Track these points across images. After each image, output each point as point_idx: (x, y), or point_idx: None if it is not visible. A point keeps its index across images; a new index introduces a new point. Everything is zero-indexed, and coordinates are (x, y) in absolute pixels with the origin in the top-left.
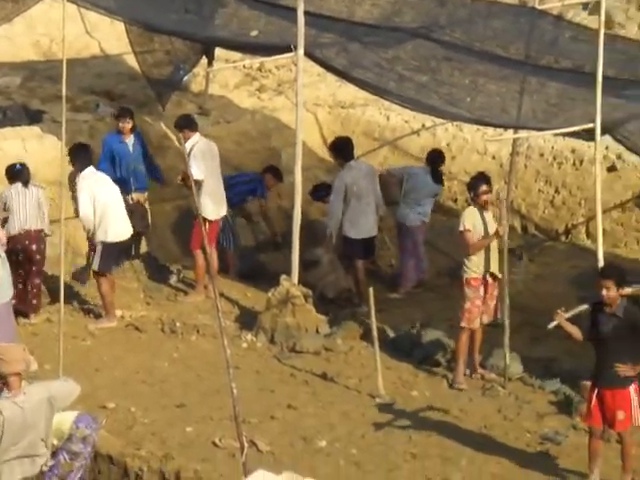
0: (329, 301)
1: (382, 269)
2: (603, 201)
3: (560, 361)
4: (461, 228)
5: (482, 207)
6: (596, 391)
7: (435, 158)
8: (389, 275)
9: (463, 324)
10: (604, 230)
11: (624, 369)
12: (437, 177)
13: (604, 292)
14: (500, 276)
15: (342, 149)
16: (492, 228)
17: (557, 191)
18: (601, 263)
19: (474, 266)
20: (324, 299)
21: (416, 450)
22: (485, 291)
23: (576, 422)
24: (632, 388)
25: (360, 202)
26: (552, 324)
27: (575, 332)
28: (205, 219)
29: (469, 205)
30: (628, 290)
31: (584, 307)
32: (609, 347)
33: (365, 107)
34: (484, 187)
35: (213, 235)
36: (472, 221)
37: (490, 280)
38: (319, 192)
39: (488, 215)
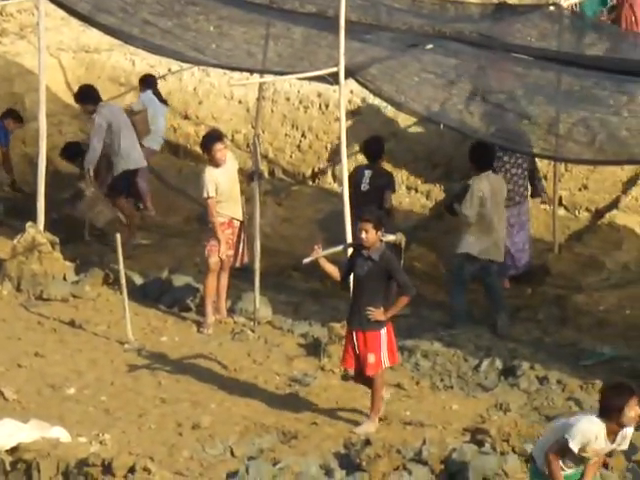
0: (100, 232)
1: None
2: (348, 144)
3: (309, 304)
4: (205, 195)
5: (218, 165)
6: (352, 333)
7: (150, 81)
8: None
9: (209, 259)
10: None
11: (375, 313)
12: (161, 98)
13: (362, 235)
14: (242, 219)
15: (88, 95)
16: (233, 182)
17: (304, 135)
18: (347, 207)
19: (220, 210)
20: (95, 230)
21: (166, 395)
22: (232, 234)
23: (324, 364)
24: (383, 331)
25: (125, 135)
26: (307, 259)
27: (332, 270)
28: None
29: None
30: (391, 237)
31: (339, 248)
32: (363, 289)
33: (110, 52)
34: (218, 145)
35: None
36: (214, 183)
37: (236, 224)
38: (69, 151)
39: (227, 170)
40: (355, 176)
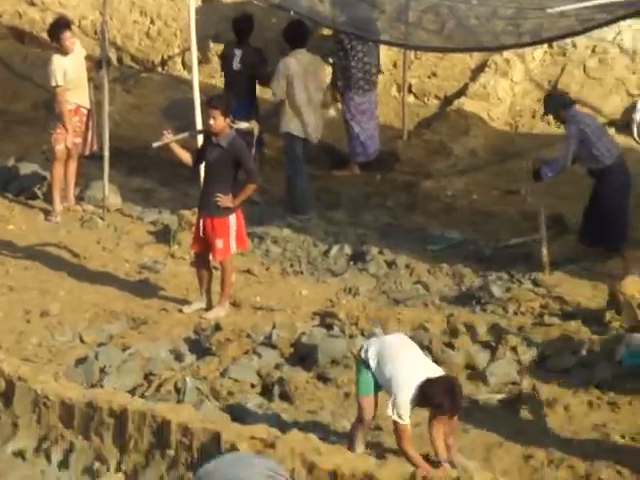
0: None
1: None
2: (198, 32)
3: (158, 191)
4: (53, 83)
5: (66, 52)
6: (201, 219)
7: None
8: None
9: (56, 147)
10: (199, 61)
11: (223, 200)
12: None
13: (211, 121)
14: (90, 107)
15: None
16: (81, 69)
17: (152, 22)
18: (197, 94)
19: (68, 98)
20: None
21: (13, 283)
22: (80, 122)
23: (174, 251)
24: (232, 218)
25: None
26: (156, 143)
27: (184, 157)
28: None
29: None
30: (243, 125)
31: (187, 134)
32: (212, 176)
33: None
34: (66, 33)
35: None
36: (62, 70)
37: (84, 112)
38: None
39: (75, 57)
40: (226, 56)
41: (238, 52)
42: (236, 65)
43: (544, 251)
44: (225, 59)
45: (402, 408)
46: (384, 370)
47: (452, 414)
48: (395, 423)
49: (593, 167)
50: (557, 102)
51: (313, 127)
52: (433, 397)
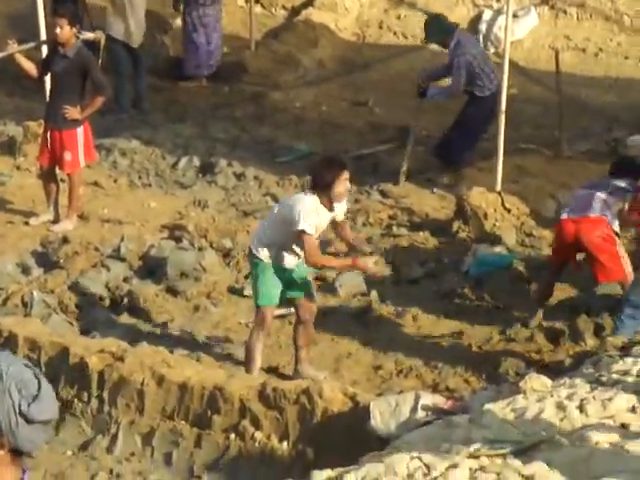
0: None
1: None
2: None
3: (3, 102)
4: None
5: None
6: (48, 132)
7: None
8: None
9: None
10: None
11: (71, 112)
12: None
13: (57, 30)
14: None
15: None
16: None
17: None
18: (40, 2)
19: None
20: None
21: None
22: None
23: (20, 163)
24: (80, 130)
25: None
26: (0, 54)
27: (29, 67)
28: None
29: None
30: (89, 35)
31: (33, 44)
32: (59, 87)
33: None
34: None
35: None
36: None
37: None
38: None
39: None
40: None
41: None
42: None
43: (405, 164)
44: None
45: (306, 216)
46: (280, 219)
47: (340, 170)
48: (302, 235)
49: (475, 93)
50: (441, 28)
51: (135, 30)
52: (317, 165)
